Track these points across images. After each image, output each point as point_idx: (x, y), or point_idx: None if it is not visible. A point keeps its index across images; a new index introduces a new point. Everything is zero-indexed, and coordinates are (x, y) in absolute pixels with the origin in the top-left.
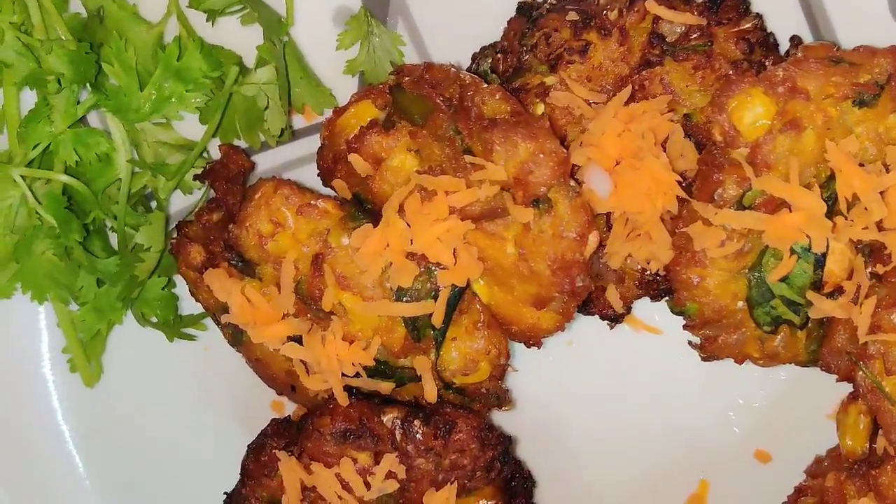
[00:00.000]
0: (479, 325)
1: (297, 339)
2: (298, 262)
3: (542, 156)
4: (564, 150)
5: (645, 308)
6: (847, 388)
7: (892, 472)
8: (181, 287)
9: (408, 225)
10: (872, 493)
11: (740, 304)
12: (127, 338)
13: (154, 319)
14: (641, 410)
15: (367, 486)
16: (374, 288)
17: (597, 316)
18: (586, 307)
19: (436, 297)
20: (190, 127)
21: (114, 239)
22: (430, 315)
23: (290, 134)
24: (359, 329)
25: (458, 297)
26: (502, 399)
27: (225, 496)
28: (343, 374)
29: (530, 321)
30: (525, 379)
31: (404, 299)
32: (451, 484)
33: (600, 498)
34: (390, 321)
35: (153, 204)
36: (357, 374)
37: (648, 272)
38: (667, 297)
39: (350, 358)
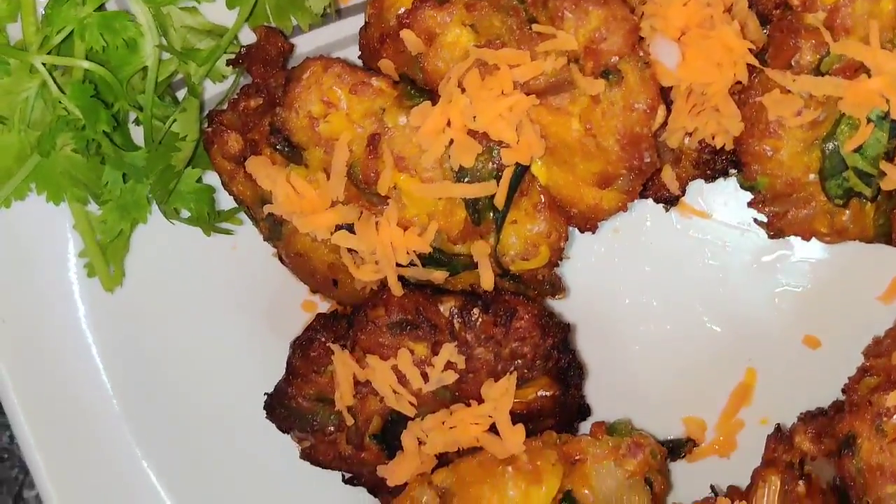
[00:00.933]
0: (540, 207)
1: (346, 229)
2: (352, 143)
3: (613, 22)
4: (635, 18)
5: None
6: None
7: None
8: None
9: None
10: None
11: (812, 176)
12: (150, 239)
13: (187, 214)
14: (687, 298)
15: (425, 377)
16: (434, 169)
17: (650, 199)
18: (640, 190)
19: (498, 178)
20: (216, 12)
21: (137, 134)
22: (492, 197)
23: (335, 13)
24: (414, 214)
25: (520, 178)
26: (556, 287)
27: (266, 397)
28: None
29: (591, 202)
30: (573, 268)
31: (465, 180)
32: (511, 374)
33: (647, 388)
34: (449, 204)
35: (179, 95)
36: (410, 264)
37: (706, 151)
38: (724, 176)
39: (406, 245)
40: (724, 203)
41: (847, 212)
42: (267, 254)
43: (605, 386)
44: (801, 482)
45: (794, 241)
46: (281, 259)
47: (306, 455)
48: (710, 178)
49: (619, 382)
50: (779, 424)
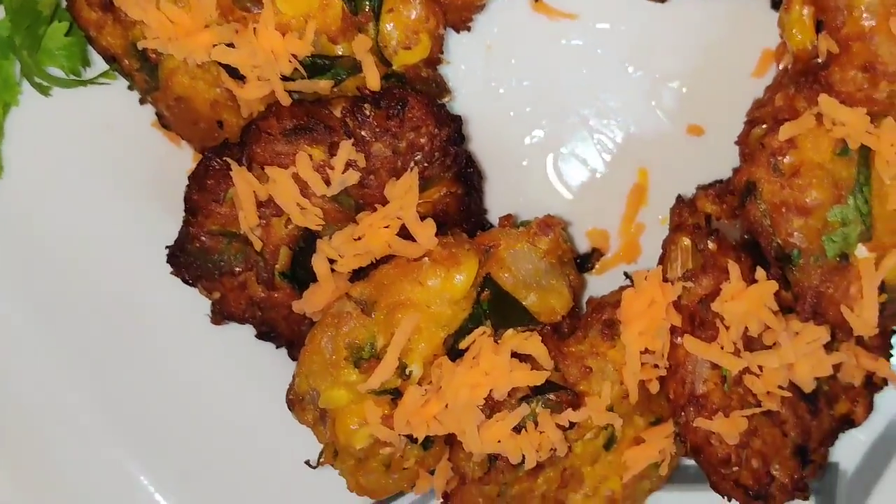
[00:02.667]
0: None
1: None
2: None
3: None
4: None
5: None
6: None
7: (841, 67)
8: None
9: None
10: (824, 94)
11: None
12: (23, 128)
13: (60, 75)
14: (568, 108)
15: (327, 183)
16: None
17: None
18: None
19: None
20: None
21: None
22: None
23: None
24: (291, 17)
25: None
26: (441, 86)
27: (167, 250)
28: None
29: None
30: (452, 86)
31: None
32: (412, 169)
33: (543, 204)
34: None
35: None
36: (293, 78)
37: None
38: None
39: (286, 49)
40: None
41: None
42: (146, 127)
43: (501, 203)
44: (710, 240)
45: (663, 33)
46: (161, 120)
47: (217, 311)
48: None
49: (515, 201)
50: (680, 194)
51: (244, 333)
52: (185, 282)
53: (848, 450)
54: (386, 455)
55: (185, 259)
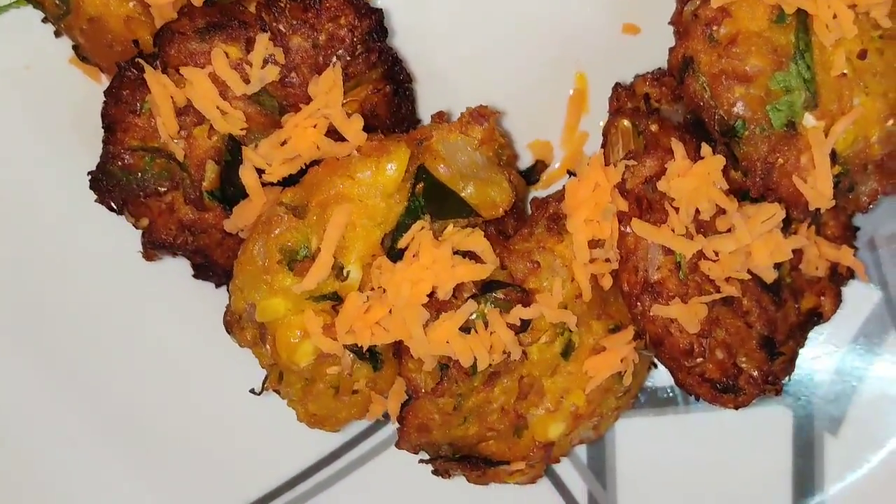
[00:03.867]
0: None
1: None
2: None
3: None
4: None
5: None
6: None
7: None
8: None
9: None
10: None
11: None
12: None
13: None
14: (499, 17)
15: (246, 81)
16: None
17: None
18: None
19: None
20: None
21: None
22: None
23: None
24: None
25: None
26: None
27: (89, 177)
28: None
29: None
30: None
31: None
32: (335, 65)
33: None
34: None
35: None
36: None
37: None
38: None
39: None
40: None
41: None
42: (64, 65)
43: (436, 92)
44: (651, 121)
45: None
46: (77, 52)
47: (148, 243)
48: None
49: (451, 91)
50: (618, 82)
51: (181, 272)
52: (111, 209)
53: (823, 359)
54: (334, 376)
55: (108, 182)
